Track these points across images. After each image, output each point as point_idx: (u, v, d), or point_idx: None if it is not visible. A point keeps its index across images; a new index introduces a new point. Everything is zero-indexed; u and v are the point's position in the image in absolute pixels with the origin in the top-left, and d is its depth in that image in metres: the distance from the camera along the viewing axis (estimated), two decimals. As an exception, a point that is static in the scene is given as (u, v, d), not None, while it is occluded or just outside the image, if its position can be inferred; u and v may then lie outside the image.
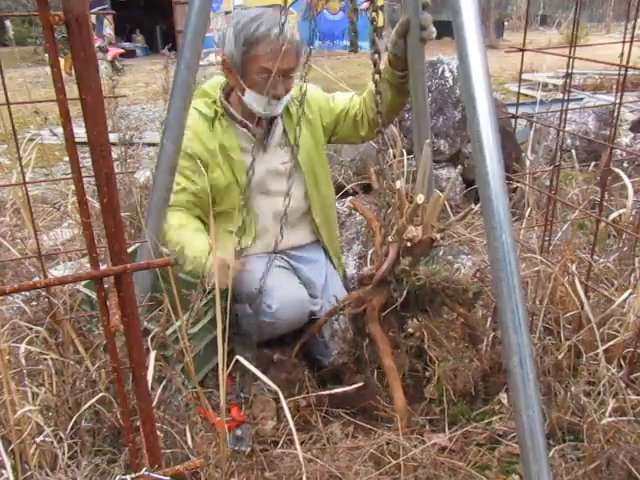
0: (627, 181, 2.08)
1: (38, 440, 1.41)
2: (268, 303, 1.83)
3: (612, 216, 2.13)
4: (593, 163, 2.79)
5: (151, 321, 1.57)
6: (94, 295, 1.82)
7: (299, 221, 2.08)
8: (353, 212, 3.00)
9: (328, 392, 1.70)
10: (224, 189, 1.95)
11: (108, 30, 13.79)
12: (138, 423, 0.89)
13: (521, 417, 1.21)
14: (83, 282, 1.83)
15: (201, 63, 1.75)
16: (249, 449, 1.65)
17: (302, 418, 1.76)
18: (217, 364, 1.34)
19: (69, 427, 1.46)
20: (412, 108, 1.85)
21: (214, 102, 1.96)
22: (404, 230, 1.58)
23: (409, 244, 1.59)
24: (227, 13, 16.39)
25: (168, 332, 1.54)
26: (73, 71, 0.68)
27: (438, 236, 1.57)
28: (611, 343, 1.60)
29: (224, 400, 1.34)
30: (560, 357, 1.67)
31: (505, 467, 1.59)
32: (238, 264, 1.79)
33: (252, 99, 1.87)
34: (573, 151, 2.95)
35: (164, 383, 1.47)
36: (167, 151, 1.58)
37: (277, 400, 1.66)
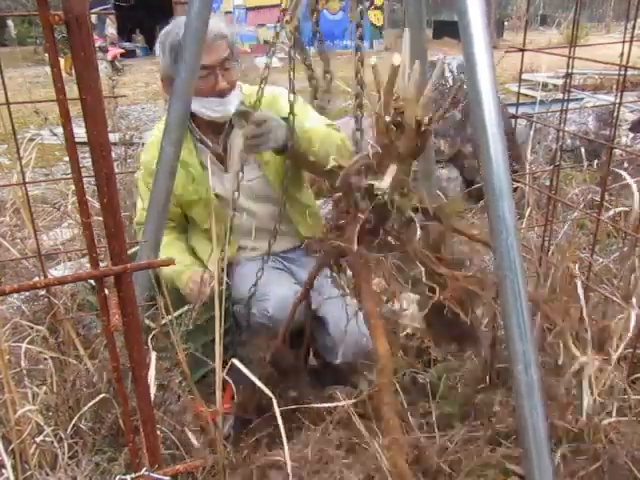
0: (630, 181, 2.08)
1: (38, 440, 1.41)
2: (264, 307, 1.82)
3: (609, 213, 2.13)
4: (587, 163, 2.79)
5: (152, 320, 1.57)
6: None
7: (282, 231, 1.96)
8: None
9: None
10: (191, 205, 1.96)
11: (110, 30, 13.78)
12: (138, 423, 0.89)
13: (525, 423, 1.21)
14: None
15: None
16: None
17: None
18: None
19: (69, 427, 1.46)
20: None
21: None
22: (388, 103, 1.29)
23: (394, 127, 1.30)
24: (227, 13, 16.40)
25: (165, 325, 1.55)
26: (73, 71, 0.68)
27: (426, 119, 1.30)
28: (611, 343, 1.60)
29: (220, 401, 1.34)
30: (560, 357, 1.67)
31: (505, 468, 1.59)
32: (210, 280, 1.74)
33: (198, 105, 1.80)
34: (582, 149, 2.95)
35: (160, 382, 1.47)
36: (167, 153, 1.57)
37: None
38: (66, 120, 0.70)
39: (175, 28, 1.80)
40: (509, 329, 1.21)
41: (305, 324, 1.85)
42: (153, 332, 1.51)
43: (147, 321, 1.57)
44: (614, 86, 6.86)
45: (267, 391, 1.39)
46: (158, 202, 1.63)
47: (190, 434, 1.44)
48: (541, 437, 1.20)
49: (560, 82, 7.02)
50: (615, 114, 1.71)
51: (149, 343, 1.48)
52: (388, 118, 1.28)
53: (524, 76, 1.86)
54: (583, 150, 2.90)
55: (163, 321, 1.54)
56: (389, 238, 1.44)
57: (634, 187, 2.06)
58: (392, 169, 1.32)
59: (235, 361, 1.49)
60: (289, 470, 1.33)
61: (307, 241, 1.54)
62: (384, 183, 1.30)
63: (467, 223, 1.48)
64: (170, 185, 1.62)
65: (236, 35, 1.84)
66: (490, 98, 1.19)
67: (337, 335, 1.86)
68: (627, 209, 2.13)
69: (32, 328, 1.64)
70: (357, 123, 1.47)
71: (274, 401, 1.38)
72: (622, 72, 1.61)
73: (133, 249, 1.92)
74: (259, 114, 1.72)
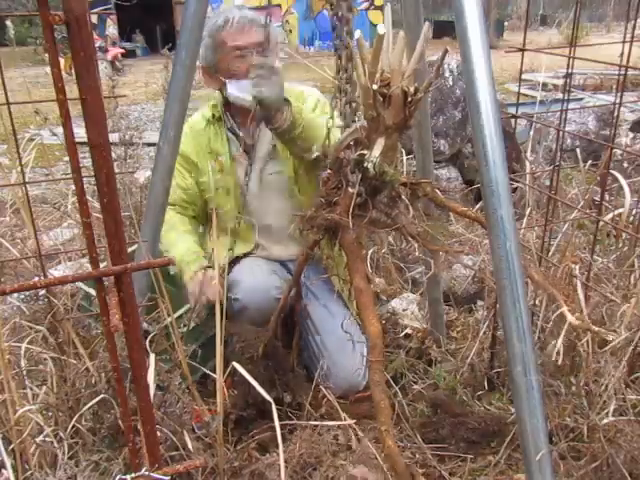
0: (623, 182, 2.08)
1: (38, 440, 1.41)
2: (234, 292, 1.81)
3: (609, 216, 2.13)
4: (589, 163, 2.78)
5: (151, 322, 1.57)
6: (93, 292, 1.83)
7: (291, 236, 1.88)
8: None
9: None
10: (214, 194, 1.95)
11: (111, 30, 13.78)
12: (137, 423, 0.89)
13: (525, 425, 1.20)
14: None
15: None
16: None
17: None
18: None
19: (69, 427, 1.46)
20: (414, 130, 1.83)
21: (215, 105, 1.97)
22: (374, 74, 1.27)
23: (381, 99, 1.28)
24: (227, 13, 16.39)
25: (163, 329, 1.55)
26: (73, 71, 0.68)
27: (412, 89, 1.27)
28: (612, 344, 1.60)
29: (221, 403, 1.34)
30: (560, 357, 1.67)
31: (505, 470, 1.59)
32: (220, 279, 1.70)
33: (235, 89, 1.81)
34: (578, 150, 2.95)
35: (159, 382, 1.47)
36: (163, 154, 1.56)
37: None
38: (66, 120, 0.70)
39: (213, 18, 1.83)
40: (508, 331, 1.21)
41: (294, 317, 1.85)
42: (152, 334, 1.51)
43: (145, 325, 1.57)
44: (614, 86, 6.86)
45: (266, 395, 1.39)
46: (156, 202, 1.62)
47: (187, 436, 1.43)
48: (540, 438, 1.19)
49: (560, 82, 7.02)
50: (615, 114, 1.71)
51: (147, 346, 1.48)
52: (375, 86, 1.26)
53: (524, 76, 1.86)
54: (578, 151, 2.90)
55: (163, 323, 1.55)
56: (380, 215, 1.42)
57: (626, 188, 2.07)
58: (380, 141, 1.33)
59: (235, 364, 1.49)
60: (282, 474, 1.33)
61: (297, 217, 1.48)
62: (374, 152, 1.32)
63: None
64: (167, 185, 1.61)
65: (275, 34, 1.82)
66: (489, 102, 1.17)
67: (331, 365, 1.86)
68: (626, 209, 2.14)
69: (32, 328, 1.64)
70: (346, 96, 1.42)
71: (272, 404, 1.38)
72: (622, 72, 1.61)
73: (132, 247, 1.92)
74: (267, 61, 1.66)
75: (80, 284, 1.84)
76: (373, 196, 1.40)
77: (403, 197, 1.39)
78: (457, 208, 1.46)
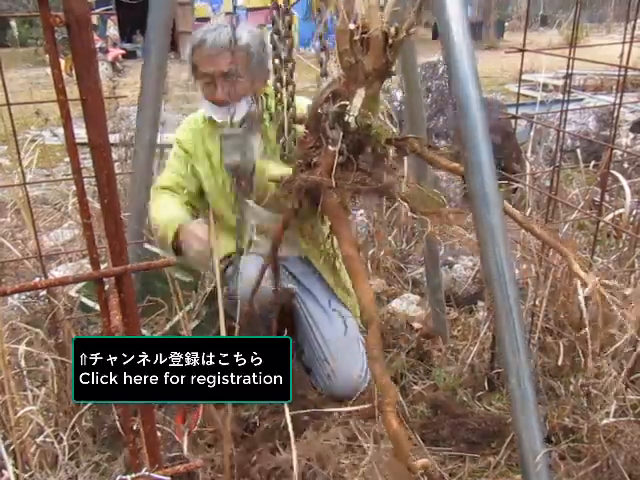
0: (624, 183, 2.08)
1: (39, 440, 1.41)
2: (232, 289, 1.78)
3: (609, 216, 2.13)
4: (593, 163, 2.79)
5: (145, 326, 1.57)
6: (90, 302, 1.83)
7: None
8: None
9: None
10: (207, 191, 1.96)
11: (112, 31, 13.77)
12: (137, 424, 0.89)
13: (521, 437, 1.20)
14: (79, 288, 1.84)
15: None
16: None
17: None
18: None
19: (69, 427, 1.46)
20: (405, 106, 1.82)
21: None
22: (350, 14, 1.16)
23: (359, 44, 1.16)
24: (227, 14, 16.41)
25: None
26: (74, 72, 0.68)
27: (392, 30, 1.16)
28: (615, 346, 1.60)
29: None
30: (560, 357, 1.67)
31: (505, 471, 1.59)
32: (207, 234, 1.68)
33: (207, 109, 1.86)
34: (578, 151, 2.95)
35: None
36: (140, 158, 1.56)
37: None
38: (67, 121, 0.71)
39: (198, 33, 1.82)
40: (501, 342, 1.19)
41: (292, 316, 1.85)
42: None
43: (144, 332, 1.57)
44: (614, 87, 6.86)
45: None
46: (136, 209, 1.59)
47: (185, 438, 1.44)
48: (537, 448, 1.18)
49: (560, 83, 7.02)
50: (615, 115, 1.71)
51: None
52: (352, 25, 1.15)
53: (524, 77, 1.86)
54: (579, 151, 2.90)
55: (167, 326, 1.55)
56: (365, 175, 1.29)
57: (626, 189, 2.07)
58: (361, 91, 1.22)
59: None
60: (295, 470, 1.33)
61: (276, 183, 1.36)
62: (355, 103, 1.22)
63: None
64: (146, 195, 1.60)
65: (264, 49, 1.79)
66: (474, 105, 1.14)
67: (334, 371, 1.86)
68: (626, 210, 2.14)
69: (31, 329, 1.64)
70: (321, 41, 1.29)
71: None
72: (622, 73, 1.61)
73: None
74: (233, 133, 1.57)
75: (81, 298, 1.83)
76: (356, 154, 1.27)
77: (389, 154, 1.27)
78: (448, 165, 1.32)
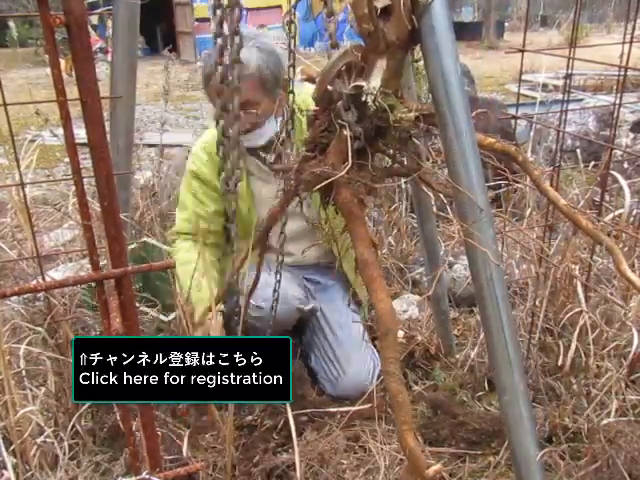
0: (623, 183, 2.08)
1: (39, 440, 1.41)
2: (256, 302, 1.73)
3: (609, 217, 2.13)
4: (593, 163, 2.79)
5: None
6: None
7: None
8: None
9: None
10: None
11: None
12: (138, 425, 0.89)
13: (516, 454, 1.19)
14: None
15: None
16: None
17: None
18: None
19: (69, 427, 1.46)
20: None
21: None
22: None
23: (378, 8, 0.96)
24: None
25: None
26: (73, 72, 0.68)
27: None
28: (613, 345, 1.60)
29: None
30: (560, 357, 1.67)
31: (505, 471, 1.59)
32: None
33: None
34: (578, 151, 2.95)
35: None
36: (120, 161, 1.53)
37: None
38: (66, 121, 0.71)
39: (206, 58, 1.75)
40: (494, 360, 1.15)
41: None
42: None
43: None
44: (614, 87, 6.86)
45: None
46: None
47: (185, 439, 1.44)
48: (533, 469, 1.17)
49: (560, 83, 7.02)
50: (615, 115, 1.71)
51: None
52: None
53: (524, 77, 1.86)
54: (579, 152, 2.90)
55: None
56: (384, 162, 1.10)
57: (626, 189, 2.07)
58: (381, 64, 1.02)
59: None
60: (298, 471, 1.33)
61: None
62: (373, 83, 1.03)
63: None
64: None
65: (278, 63, 1.67)
66: (462, 110, 1.02)
67: (341, 374, 1.86)
68: (626, 210, 2.14)
69: (31, 329, 1.64)
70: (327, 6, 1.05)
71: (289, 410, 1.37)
72: (622, 73, 1.61)
73: (131, 246, 1.92)
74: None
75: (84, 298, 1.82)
76: (374, 139, 1.07)
77: (414, 138, 1.07)
78: (483, 141, 1.15)
